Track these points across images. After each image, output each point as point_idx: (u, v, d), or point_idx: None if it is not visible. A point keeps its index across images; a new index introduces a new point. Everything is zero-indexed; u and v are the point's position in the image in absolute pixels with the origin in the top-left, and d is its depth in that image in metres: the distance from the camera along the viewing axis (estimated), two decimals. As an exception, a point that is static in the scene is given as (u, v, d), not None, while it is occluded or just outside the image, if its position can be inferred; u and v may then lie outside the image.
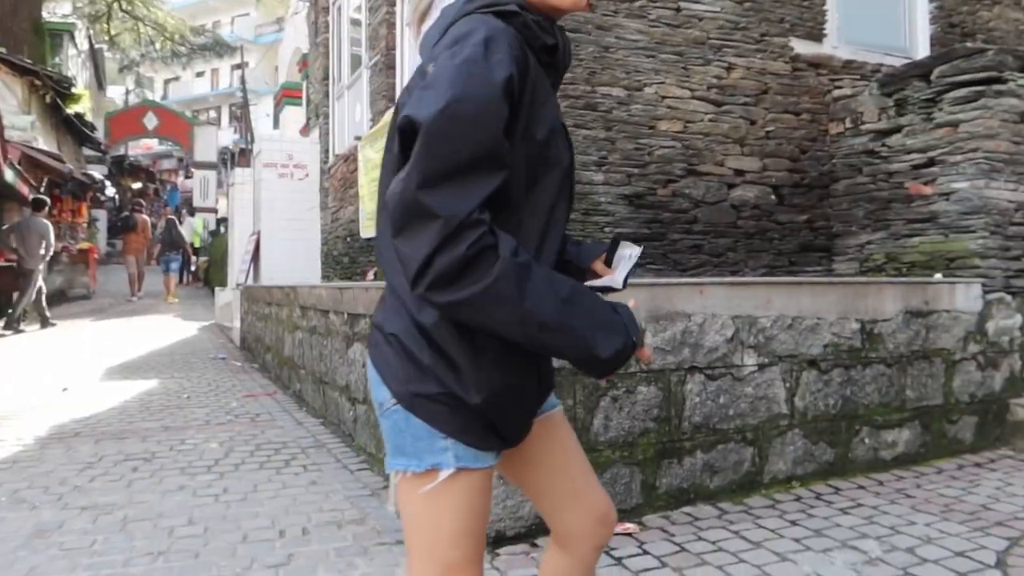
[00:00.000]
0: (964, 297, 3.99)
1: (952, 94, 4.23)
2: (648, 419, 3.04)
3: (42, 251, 10.39)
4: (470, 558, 1.25)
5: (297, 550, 2.73)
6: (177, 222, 17.99)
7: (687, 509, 3.06)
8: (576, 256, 1.45)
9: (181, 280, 18.10)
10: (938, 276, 4.14)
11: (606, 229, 4.53)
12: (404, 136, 1.15)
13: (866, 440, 3.62)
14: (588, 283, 1.38)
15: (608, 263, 1.45)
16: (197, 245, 19.54)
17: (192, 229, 18.84)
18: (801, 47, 5.06)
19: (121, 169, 27.12)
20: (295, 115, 13.43)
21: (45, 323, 10.83)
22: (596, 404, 2.94)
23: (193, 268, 19.88)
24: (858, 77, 5.16)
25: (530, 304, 1.08)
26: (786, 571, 2.44)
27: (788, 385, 3.41)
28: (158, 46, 24.33)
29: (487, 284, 1.06)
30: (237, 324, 9.92)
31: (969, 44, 4.80)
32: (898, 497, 3.22)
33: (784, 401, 3.40)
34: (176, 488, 3.53)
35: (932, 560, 2.51)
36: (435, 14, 1.32)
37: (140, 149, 32.50)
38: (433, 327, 1.17)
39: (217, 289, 13.41)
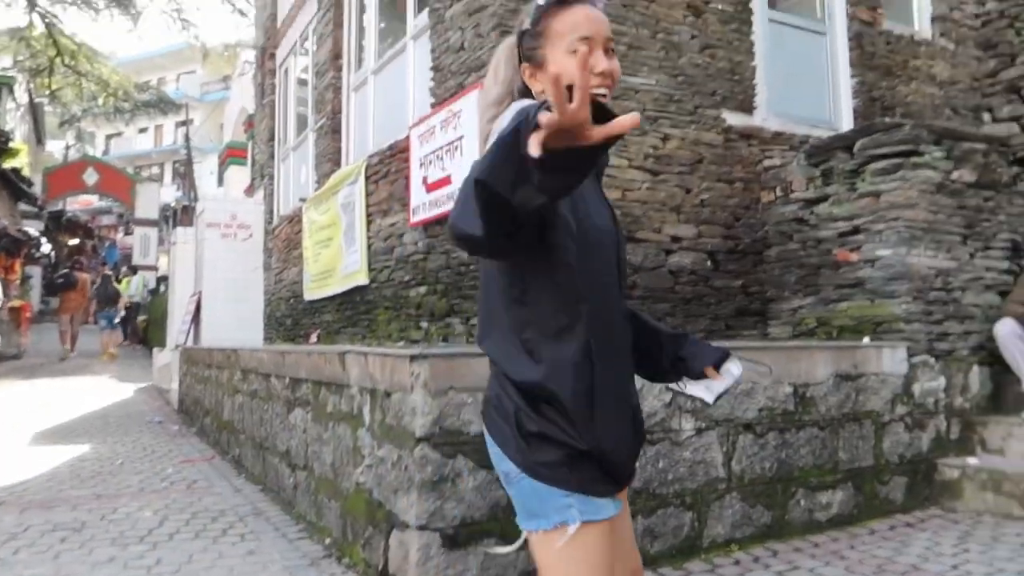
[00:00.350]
0: (891, 360, 4.16)
1: (873, 165, 4.47)
2: (589, 484, 3.06)
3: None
4: None
5: (231, 627, 2.65)
6: (113, 278, 17.59)
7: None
8: (691, 356, 1.56)
9: (125, 337, 17.65)
10: (866, 340, 4.31)
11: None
12: None
13: (802, 502, 3.71)
14: (684, 387, 1.57)
15: (717, 369, 1.56)
16: (137, 300, 19.00)
17: (137, 286, 18.34)
18: (733, 119, 5.30)
19: (58, 225, 26.42)
20: (240, 175, 13.40)
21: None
22: (538, 470, 2.95)
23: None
24: (787, 147, 5.42)
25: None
26: (724, 637, 2.47)
27: (725, 449, 3.49)
28: (100, 101, 24.06)
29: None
30: (175, 386, 9.66)
31: (887, 119, 5.11)
32: (833, 559, 3.29)
33: (721, 465, 3.47)
34: (106, 560, 3.41)
35: (864, 622, 2.57)
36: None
37: (79, 204, 31.79)
38: (538, 387, 1.33)
39: (156, 350, 13.07)
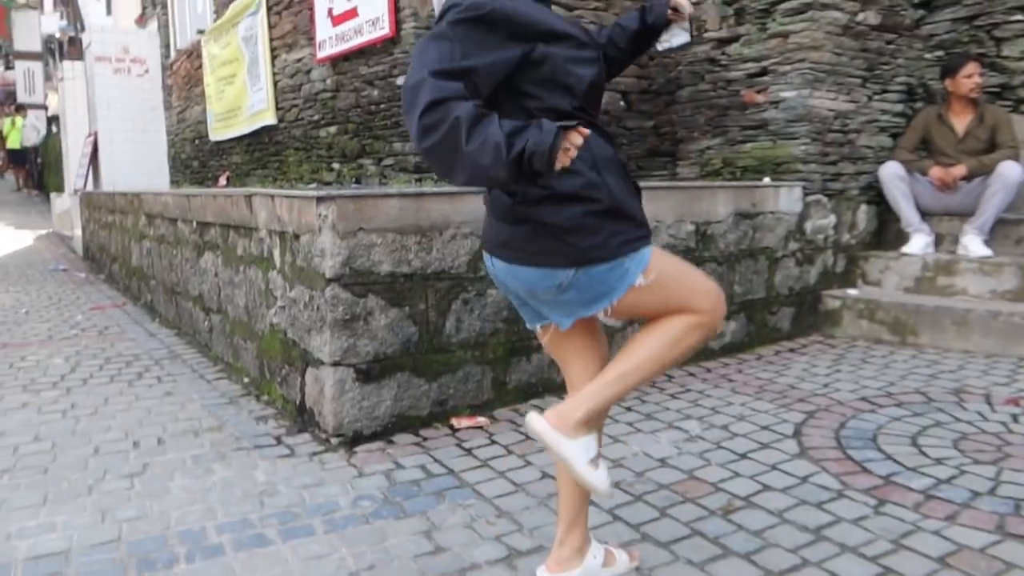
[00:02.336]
0: (787, 199, 4.37)
1: (784, 5, 4.47)
2: (498, 320, 3.21)
3: None
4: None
5: (152, 459, 2.76)
6: None
7: (535, 401, 3.30)
8: (653, 12, 1.87)
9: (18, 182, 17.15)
10: (766, 180, 4.49)
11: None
12: None
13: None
14: (670, 42, 1.91)
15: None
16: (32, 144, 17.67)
17: (32, 130, 17.04)
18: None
19: (-75, 58, 24.04)
20: (130, 2, 12.29)
21: None
22: (448, 307, 3.07)
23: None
24: (703, -15, 5.32)
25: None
26: (618, 451, 2.72)
27: (628, 284, 3.67)
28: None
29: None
30: (78, 233, 9.32)
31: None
32: (721, 382, 3.59)
33: (624, 299, 3.66)
34: (19, 406, 3.43)
35: (741, 434, 2.87)
36: None
37: (-53, 35, 28.77)
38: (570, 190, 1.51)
39: (53, 195, 12.44)
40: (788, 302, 4.41)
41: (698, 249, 3.96)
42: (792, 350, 4.20)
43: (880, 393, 3.32)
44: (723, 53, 4.85)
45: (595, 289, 1.56)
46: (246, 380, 3.73)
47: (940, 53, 5.07)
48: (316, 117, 5.60)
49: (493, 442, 2.86)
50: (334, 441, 2.84)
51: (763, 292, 4.28)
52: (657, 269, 1.57)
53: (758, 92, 4.61)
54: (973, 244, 4.37)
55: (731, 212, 4.11)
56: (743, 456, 2.66)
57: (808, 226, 4.48)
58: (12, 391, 3.66)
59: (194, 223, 4.47)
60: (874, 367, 3.75)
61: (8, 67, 24.69)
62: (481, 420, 3.07)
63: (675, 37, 1.90)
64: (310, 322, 2.94)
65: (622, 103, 5.11)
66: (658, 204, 3.76)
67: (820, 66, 4.38)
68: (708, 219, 4.00)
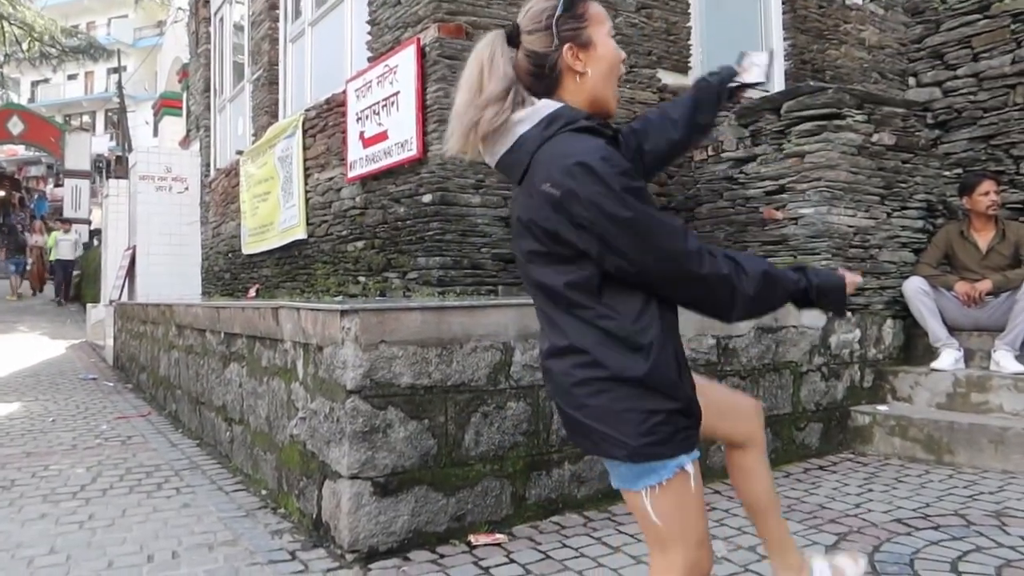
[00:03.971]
0: (810, 314, 4.35)
1: (799, 127, 4.61)
2: (518, 433, 3.18)
3: None
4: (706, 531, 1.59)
5: (165, 574, 2.70)
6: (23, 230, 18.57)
7: (555, 518, 3.21)
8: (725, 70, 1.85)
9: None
10: (788, 294, 4.49)
11: (483, 249, 4.67)
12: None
13: (722, 448, 3.88)
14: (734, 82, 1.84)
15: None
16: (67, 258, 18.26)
17: (72, 243, 17.73)
18: (668, 78, 5.39)
19: (-18, 176, 25.37)
20: (175, 126, 13.00)
21: None
22: (467, 420, 3.06)
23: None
24: (720, 108, 5.53)
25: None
26: (640, 573, 2.62)
27: (650, 398, 3.63)
28: (25, 47, 22.91)
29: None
30: (110, 342, 9.50)
31: (812, 82, 5.24)
32: (748, 500, 3.48)
33: (647, 413, 3.61)
34: (37, 516, 3.41)
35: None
36: (506, 139, 1.51)
37: (4, 155, 30.45)
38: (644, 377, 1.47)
39: (89, 305, 12.77)
40: (815, 418, 4.33)
41: (720, 363, 3.93)
42: (822, 468, 4.08)
43: (916, 515, 3.20)
44: (741, 172, 4.98)
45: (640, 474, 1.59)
46: (264, 492, 3.69)
47: (959, 171, 5.16)
48: (344, 232, 5.77)
49: (511, 560, 2.77)
50: (349, 557, 2.77)
51: (789, 407, 4.21)
52: (680, 498, 1.57)
53: (777, 209, 4.69)
54: (1005, 360, 4.29)
55: (753, 326, 4.10)
56: (772, 580, 2.55)
57: (833, 340, 4.45)
58: (32, 501, 3.65)
59: (222, 334, 4.55)
60: (908, 487, 3.62)
61: (58, 184, 25.88)
62: (500, 537, 2.99)
63: (751, 71, 1.85)
64: (329, 434, 2.93)
65: (643, 219, 5.21)
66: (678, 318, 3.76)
67: (837, 184, 4.46)
68: (729, 333, 3.99)
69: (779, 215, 4.66)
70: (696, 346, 3.83)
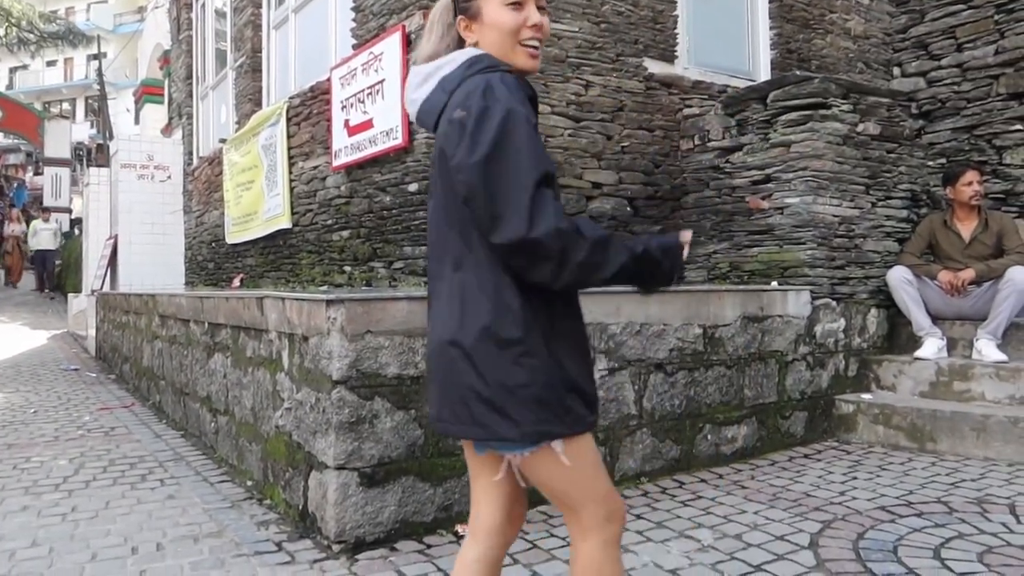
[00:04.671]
0: (795, 303, 4.37)
1: (785, 117, 4.61)
2: (505, 423, 3.17)
3: None
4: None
5: (150, 566, 2.68)
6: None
7: (543, 508, 3.21)
8: None
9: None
10: (774, 284, 4.51)
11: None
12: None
13: (708, 437, 3.91)
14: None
15: None
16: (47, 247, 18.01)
17: (53, 232, 17.44)
18: (654, 67, 5.37)
19: (-41, 164, 24.99)
20: (157, 113, 12.84)
21: None
22: (454, 410, 3.04)
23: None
24: (706, 97, 5.52)
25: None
26: (627, 561, 2.62)
27: (637, 387, 3.64)
28: (2, 32, 22.57)
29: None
30: (92, 333, 9.41)
31: (798, 72, 5.24)
32: (734, 488, 3.50)
33: (633, 403, 3.63)
34: (19, 509, 3.37)
35: (755, 544, 2.77)
36: (427, 86, 1.59)
37: (-19, 142, 30.04)
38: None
39: (71, 295, 12.63)
40: (800, 406, 4.35)
41: (706, 352, 3.94)
42: (806, 456, 4.10)
43: (899, 502, 3.23)
44: (727, 161, 4.98)
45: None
46: (249, 483, 3.67)
47: (942, 161, 5.20)
48: (330, 221, 5.73)
49: (499, 551, 2.77)
50: (336, 548, 2.76)
51: (774, 396, 4.23)
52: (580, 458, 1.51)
53: (763, 198, 4.69)
54: (987, 349, 4.33)
55: (739, 315, 4.11)
56: (758, 568, 2.57)
57: (818, 330, 4.47)
58: (14, 494, 3.61)
59: (206, 324, 4.51)
60: (892, 474, 3.66)
61: (37, 172, 25.55)
62: (487, 527, 2.98)
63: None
64: (315, 424, 2.92)
65: (628, 208, 5.21)
66: (665, 307, 3.77)
67: (823, 174, 4.47)
68: (716, 322, 4.00)
69: (765, 204, 4.67)
70: (682, 335, 3.84)
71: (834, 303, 4.55)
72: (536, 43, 1.57)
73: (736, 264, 4.86)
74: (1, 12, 21.24)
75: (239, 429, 3.91)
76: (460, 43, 1.62)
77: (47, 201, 21.05)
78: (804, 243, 4.48)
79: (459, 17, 1.60)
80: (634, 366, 3.64)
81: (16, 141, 27.65)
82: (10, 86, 36.46)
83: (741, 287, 4.38)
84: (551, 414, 1.45)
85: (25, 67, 36.45)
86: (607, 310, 3.56)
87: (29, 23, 22.12)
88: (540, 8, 1.58)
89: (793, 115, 4.56)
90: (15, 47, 23.64)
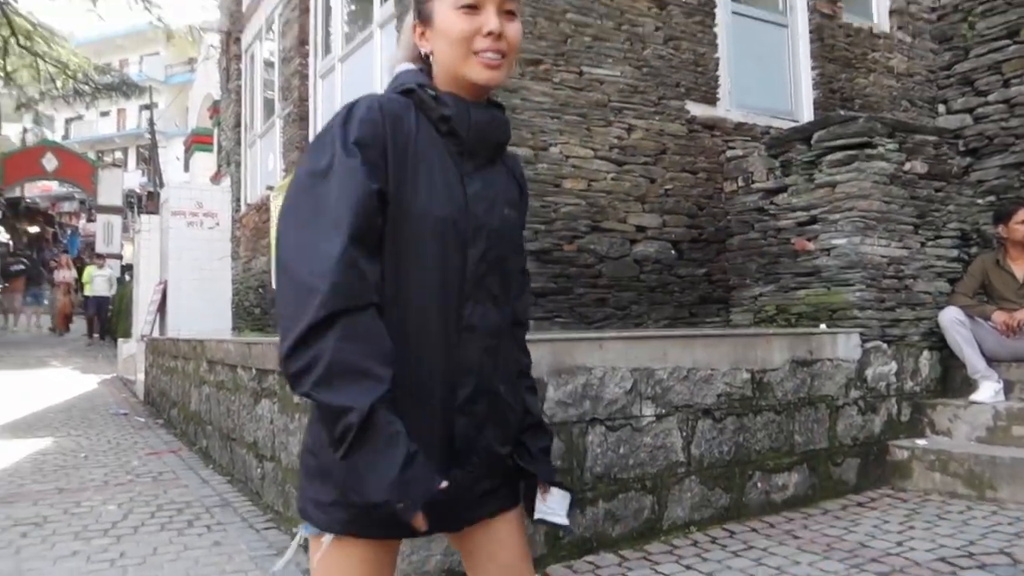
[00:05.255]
0: (845, 346, 4.29)
1: (830, 157, 4.58)
2: (551, 471, 3.14)
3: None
4: None
5: (198, 616, 2.69)
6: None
7: (590, 558, 3.16)
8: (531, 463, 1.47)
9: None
10: (822, 327, 4.44)
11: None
12: None
13: (758, 484, 3.82)
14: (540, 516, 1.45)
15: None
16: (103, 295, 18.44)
17: (107, 278, 17.90)
18: (696, 110, 5.38)
19: (16, 211, 25.92)
20: (206, 161, 13.23)
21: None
22: (500, 458, 3.02)
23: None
24: (749, 138, 5.52)
25: None
26: (679, 616, 2.56)
27: (684, 434, 3.59)
28: (59, 84, 23.50)
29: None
30: (141, 377, 9.59)
31: (843, 112, 5.22)
32: (786, 538, 3.41)
33: (681, 449, 3.57)
34: (69, 554, 3.42)
35: (812, 599, 2.68)
36: None
37: (38, 190, 31.15)
38: None
39: (120, 340, 12.93)
40: (853, 453, 4.23)
41: (755, 397, 3.87)
42: (860, 504, 3.98)
43: (960, 553, 3.10)
44: (771, 203, 4.95)
45: None
46: (295, 530, 3.67)
47: (992, 198, 5.10)
48: (374, 266, 5.78)
49: (547, 603, 2.72)
50: (382, 599, 2.74)
51: (825, 442, 4.13)
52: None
53: (809, 240, 4.64)
54: (1047, 392, 4.19)
55: (787, 360, 4.04)
56: (816, 624, 2.48)
57: (869, 373, 4.37)
58: (64, 538, 3.66)
59: (253, 370, 4.57)
60: (951, 524, 3.52)
61: (90, 220, 26.37)
62: (534, 578, 2.94)
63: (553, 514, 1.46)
64: (362, 472, 2.91)
65: (673, 252, 5.19)
66: (712, 352, 3.73)
67: (870, 214, 4.41)
68: (764, 367, 3.94)
69: (811, 246, 4.62)
70: (730, 380, 3.78)
71: (885, 346, 4.45)
72: (496, 56, 1.32)
73: (783, 307, 4.79)
74: (58, 65, 22.12)
75: (285, 475, 3.93)
76: (417, 53, 1.42)
77: (99, 248, 21.69)
78: (852, 285, 4.41)
79: (415, 23, 1.40)
80: (681, 412, 3.59)
81: (70, 189, 28.63)
82: (66, 136, 37.89)
83: (789, 331, 4.31)
84: None
85: (80, 118, 37.89)
86: (653, 355, 3.53)
87: (85, 75, 22.98)
88: (508, 12, 1.33)
89: (838, 155, 4.52)
90: (71, 98, 24.56)
